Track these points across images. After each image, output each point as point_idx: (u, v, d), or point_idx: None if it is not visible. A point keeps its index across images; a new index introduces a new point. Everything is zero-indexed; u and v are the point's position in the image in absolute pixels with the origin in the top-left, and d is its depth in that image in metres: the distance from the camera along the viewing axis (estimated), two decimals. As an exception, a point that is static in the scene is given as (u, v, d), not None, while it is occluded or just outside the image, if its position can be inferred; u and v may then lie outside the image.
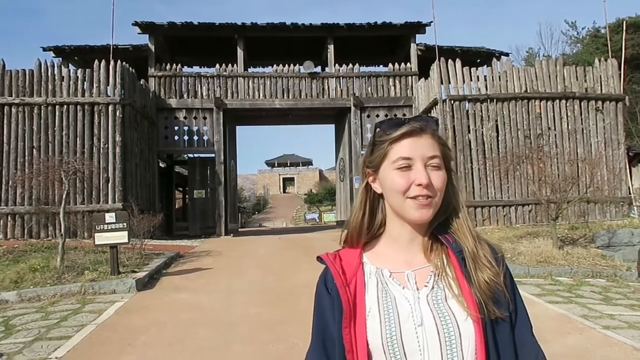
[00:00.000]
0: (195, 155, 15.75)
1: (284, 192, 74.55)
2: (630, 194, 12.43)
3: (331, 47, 15.40)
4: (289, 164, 79.00)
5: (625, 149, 12.81)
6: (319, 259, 1.06)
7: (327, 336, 0.99)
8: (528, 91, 12.35)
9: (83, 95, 11.75)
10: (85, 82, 11.84)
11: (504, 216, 11.90)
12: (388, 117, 15.04)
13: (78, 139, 11.56)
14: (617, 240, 9.01)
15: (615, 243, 8.97)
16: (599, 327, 4.82)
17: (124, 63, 12.17)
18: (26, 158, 11.30)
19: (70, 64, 14.59)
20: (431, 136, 0.99)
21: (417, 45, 15.38)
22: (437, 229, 1.01)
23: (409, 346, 0.92)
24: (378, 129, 1.03)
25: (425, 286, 0.97)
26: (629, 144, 14.19)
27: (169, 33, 15.25)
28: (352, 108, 14.91)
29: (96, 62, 12.00)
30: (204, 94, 14.79)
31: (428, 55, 14.46)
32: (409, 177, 0.96)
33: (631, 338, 4.44)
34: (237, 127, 17.24)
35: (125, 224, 7.38)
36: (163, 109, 14.57)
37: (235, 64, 15.09)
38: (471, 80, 12.43)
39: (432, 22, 15.03)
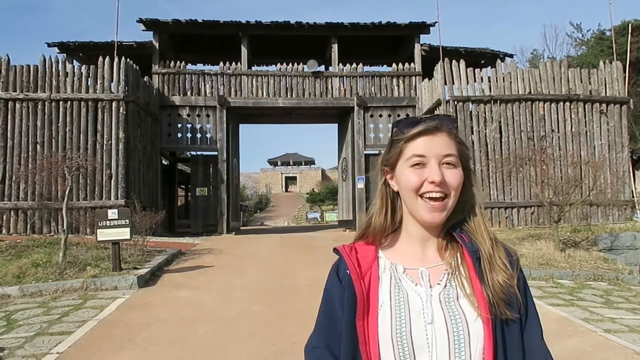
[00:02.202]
0: (198, 152, 15.78)
1: (286, 191, 74.59)
2: (633, 197, 12.38)
3: (335, 47, 15.38)
4: (291, 163, 79.04)
5: (629, 152, 12.77)
6: (335, 250, 1.07)
7: (332, 322, 1.01)
8: (532, 93, 12.31)
9: (87, 92, 11.78)
10: (89, 79, 11.86)
11: (506, 218, 11.88)
12: (391, 117, 15.04)
13: (81, 135, 11.60)
14: (619, 243, 8.98)
15: (618, 246, 8.95)
16: (600, 330, 4.82)
17: (127, 60, 12.20)
18: (30, 153, 11.34)
19: (74, 60, 14.62)
20: (447, 135, 0.99)
21: (421, 45, 15.33)
22: (453, 228, 1.01)
23: (418, 342, 0.93)
24: (395, 128, 1.03)
25: (438, 284, 0.97)
26: (633, 147, 14.14)
27: (173, 30, 15.26)
28: (356, 108, 14.89)
29: (100, 58, 12.02)
30: (207, 91, 14.80)
31: (432, 56, 14.42)
32: (423, 174, 0.97)
33: (632, 342, 4.43)
34: (240, 125, 17.26)
35: (127, 220, 7.41)
36: (166, 106, 14.59)
37: (239, 62, 15.08)
38: (475, 81, 12.39)
39: (436, 22, 15.03)
